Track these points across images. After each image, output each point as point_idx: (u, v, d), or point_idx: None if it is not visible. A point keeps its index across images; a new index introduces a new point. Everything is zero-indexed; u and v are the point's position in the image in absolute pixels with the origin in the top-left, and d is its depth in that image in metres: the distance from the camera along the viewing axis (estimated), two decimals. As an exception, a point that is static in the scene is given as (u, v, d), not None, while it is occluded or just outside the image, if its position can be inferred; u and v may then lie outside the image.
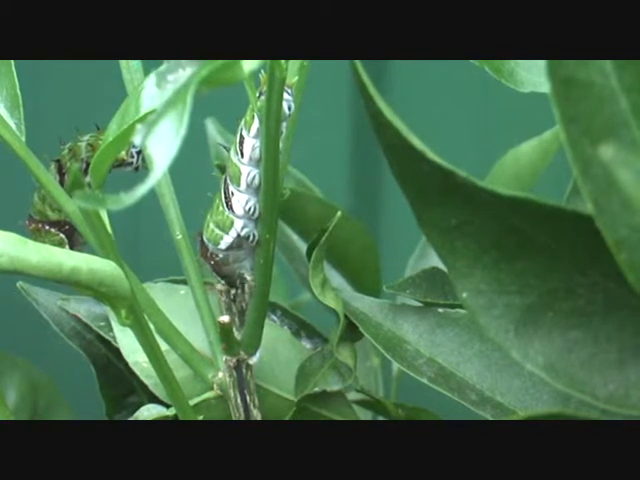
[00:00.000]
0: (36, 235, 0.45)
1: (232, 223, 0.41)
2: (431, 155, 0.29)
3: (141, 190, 0.28)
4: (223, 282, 0.43)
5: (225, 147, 0.42)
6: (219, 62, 0.30)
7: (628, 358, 0.30)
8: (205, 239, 0.42)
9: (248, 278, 0.42)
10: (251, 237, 0.41)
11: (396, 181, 0.31)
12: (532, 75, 0.40)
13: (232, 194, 0.41)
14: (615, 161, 0.24)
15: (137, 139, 0.28)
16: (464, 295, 0.30)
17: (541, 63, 0.38)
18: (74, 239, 0.45)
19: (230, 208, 0.41)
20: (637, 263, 0.27)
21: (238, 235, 0.41)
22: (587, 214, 0.27)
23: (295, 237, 0.55)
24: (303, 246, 0.54)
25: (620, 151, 0.24)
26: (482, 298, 0.30)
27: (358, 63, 0.31)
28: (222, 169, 0.43)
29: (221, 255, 0.42)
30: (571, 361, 0.30)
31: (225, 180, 0.41)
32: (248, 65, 0.31)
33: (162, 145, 0.28)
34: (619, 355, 0.30)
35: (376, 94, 0.29)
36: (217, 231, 0.41)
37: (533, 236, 0.29)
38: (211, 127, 0.56)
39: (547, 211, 0.28)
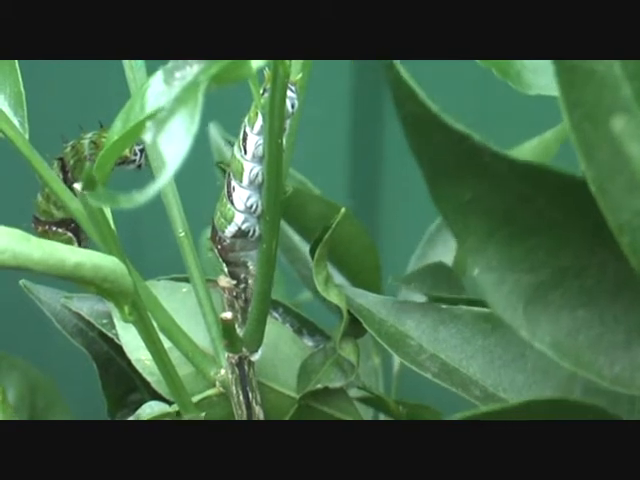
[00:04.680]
0: (44, 238, 0.45)
1: (233, 216, 0.41)
2: (447, 119, 0.29)
3: (153, 189, 0.28)
4: (227, 271, 0.43)
5: (230, 142, 0.42)
6: (228, 60, 0.30)
7: (635, 339, 0.30)
8: (215, 224, 0.42)
9: (250, 267, 0.42)
10: (251, 232, 0.41)
11: (412, 154, 0.31)
12: (539, 78, 0.40)
13: (234, 189, 0.41)
14: (625, 133, 0.24)
15: (147, 137, 0.28)
16: (476, 271, 0.30)
17: (547, 65, 0.38)
18: (81, 236, 0.45)
19: (232, 202, 0.41)
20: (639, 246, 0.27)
21: (239, 228, 0.41)
22: None
23: (296, 238, 0.55)
24: (304, 246, 0.55)
25: (630, 124, 0.24)
26: (493, 274, 0.30)
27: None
28: (223, 168, 0.43)
29: (228, 241, 0.42)
30: (578, 341, 0.30)
31: (228, 175, 0.41)
32: (255, 62, 0.31)
33: (173, 143, 0.28)
34: (626, 336, 0.30)
35: (397, 63, 0.29)
36: (222, 220, 0.42)
37: (545, 209, 0.29)
38: (213, 130, 0.56)
39: (560, 180, 0.28)
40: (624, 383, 0.30)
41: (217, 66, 0.30)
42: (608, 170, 0.26)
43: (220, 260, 0.42)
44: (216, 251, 0.42)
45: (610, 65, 0.27)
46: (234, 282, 0.42)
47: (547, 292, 0.30)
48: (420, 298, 0.43)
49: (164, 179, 0.28)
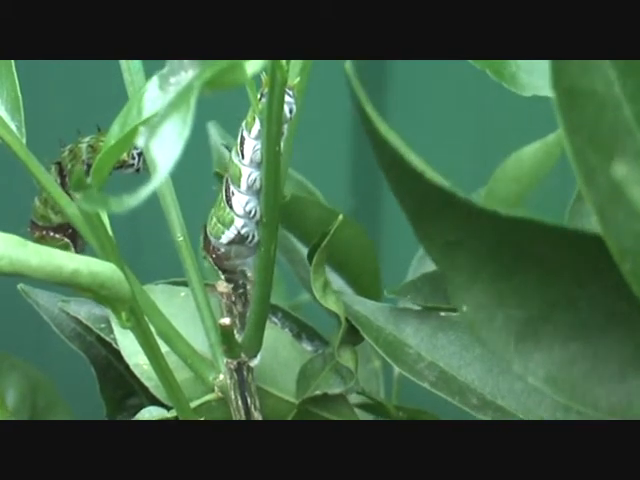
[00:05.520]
0: (41, 243, 0.44)
1: (232, 220, 0.41)
2: (430, 175, 0.29)
3: (144, 192, 0.28)
4: (224, 278, 0.42)
5: (227, 147, 0.42)
6: (222, 64, 0.30)
7: (629, 371, 0.29)
8: (208, 232, 0.42)
9: (249, 274, 0.42)
10: (250, 237, 0.41)
11: (395, 197, 0.31)
12: (534, 78, 0.39)
13: (232, 194, 0.41)
14: (628, 179, 0.24)
15: (140, 141, 0.28)
16: (464, 309, 0.30)
17: (542, 66, 0.38)
18: (77, 242, 0.45)
19: (231, 207, 0.41)
20: (642, 273, 0.27)
21: (238, 232, 0.41)
22: (588, 232, 0.27)
23: (295, 241, 0.55)
24: (303, 249, 0.54)
25: (633, 168, 0.24)
26: (482, 311, 0.30)
27: (355, 81, 0.30)
28: (221, 176, 0.43)
29: (223, 249, 0.41)
30: (572, 374, 0.30)
31: (226, 180, 0.41)
32: (251, 67, 0.31)
33: (165, 148, 0.28)
34: (620, 367, 0.29)
35: (373, 112, 0.29)
36: (219, 225, 0.41)
37: (532, 252, 0.29)
38: (213, 130, 0.56)
39: (547, 230, 0.28)
40: (621, 413, 0.30)
41: (211, 71, 0.29)
42: (609, 195, 0.26)
43: (215, 268, 0.42)
44: (211, 260, 0.42)
45: (610, 85, 0.27)
46: (231, 286, 0.42)
47: (538, 326, 0.30)
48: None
49: (156, 183, 0.28)
